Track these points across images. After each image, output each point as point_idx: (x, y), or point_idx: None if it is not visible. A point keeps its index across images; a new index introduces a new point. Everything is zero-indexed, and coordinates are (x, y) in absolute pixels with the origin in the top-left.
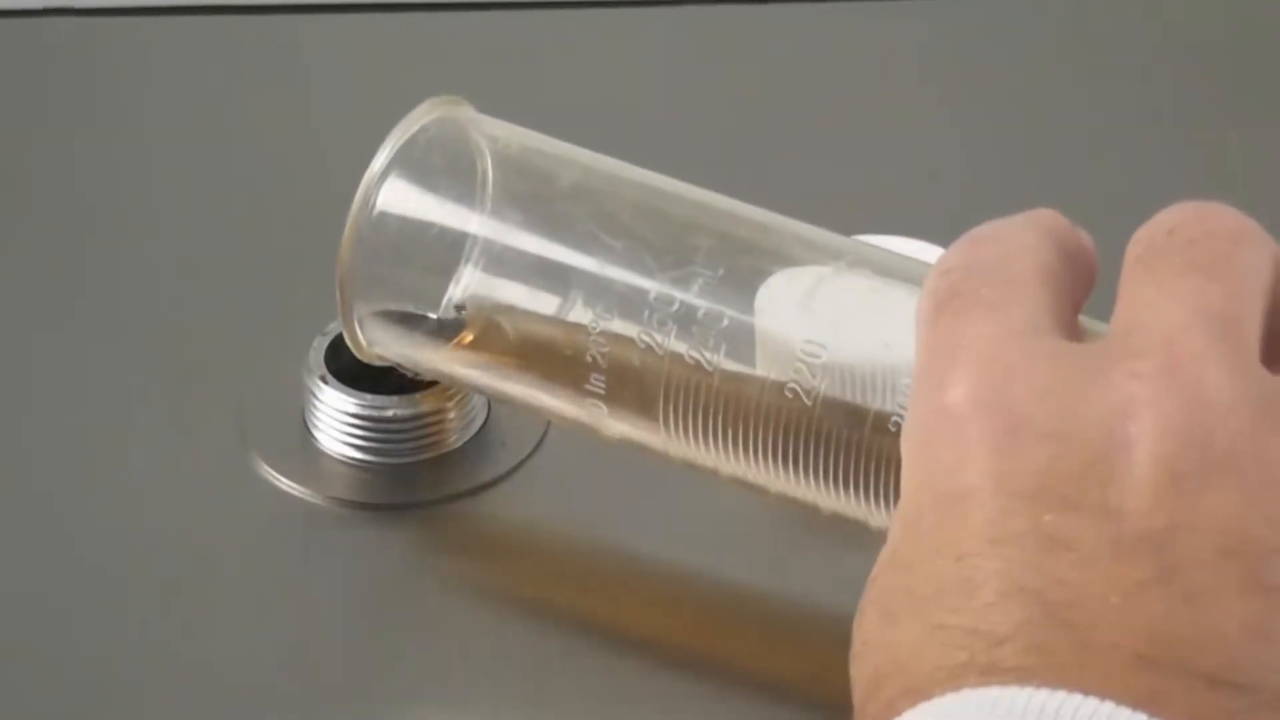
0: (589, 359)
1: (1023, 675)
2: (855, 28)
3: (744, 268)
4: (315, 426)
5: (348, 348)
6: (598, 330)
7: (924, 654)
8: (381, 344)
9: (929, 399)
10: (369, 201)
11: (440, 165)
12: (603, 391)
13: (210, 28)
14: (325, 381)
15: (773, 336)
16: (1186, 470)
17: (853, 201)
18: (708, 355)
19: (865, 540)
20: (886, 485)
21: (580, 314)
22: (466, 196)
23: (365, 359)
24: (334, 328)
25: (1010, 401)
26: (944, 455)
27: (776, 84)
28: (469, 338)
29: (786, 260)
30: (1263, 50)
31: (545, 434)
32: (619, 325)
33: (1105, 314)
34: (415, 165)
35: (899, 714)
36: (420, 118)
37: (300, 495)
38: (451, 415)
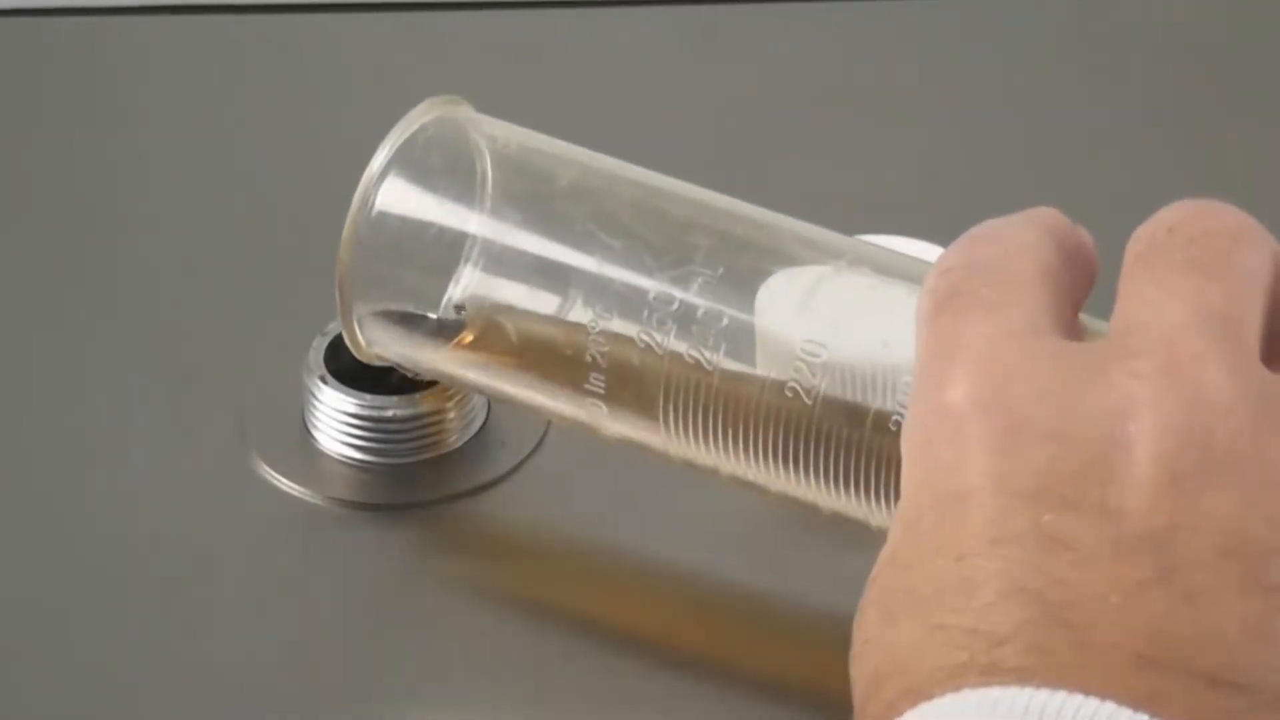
0: (588, 358)
1: (1023, 675)
2: (855, 27)
3: (743, 267)
4: (315, 426)
5: (347, 348)
6: (597, 330)
7: (924, 654)
8: (381, 344)
9: (929, 399)
10: (368, 201)
11: (439, 165)
12: (602, 391)
13: (210, 27)
14: (325, 381)
15: (773, 336)
16: (1186, 470)
17: (853, 201)
18: (707, 354)
19: (865, 540)
20: (887, 485)
21: (580, 313)
22: (466, 196)
23: (365, 359)
24: (334, 328)
25: (1010, 401)
26: (944, 455)
27: (777, 83)
28: (468, 338)
29: (786, 259)
30: (1263, 50)
31: (545, 434)
32: (618, 325)
33: (1106, 312)
34: (414, 165)
35: (899, 714)
36: (419, 117)
37: (300, 495)
38: (451, 415)
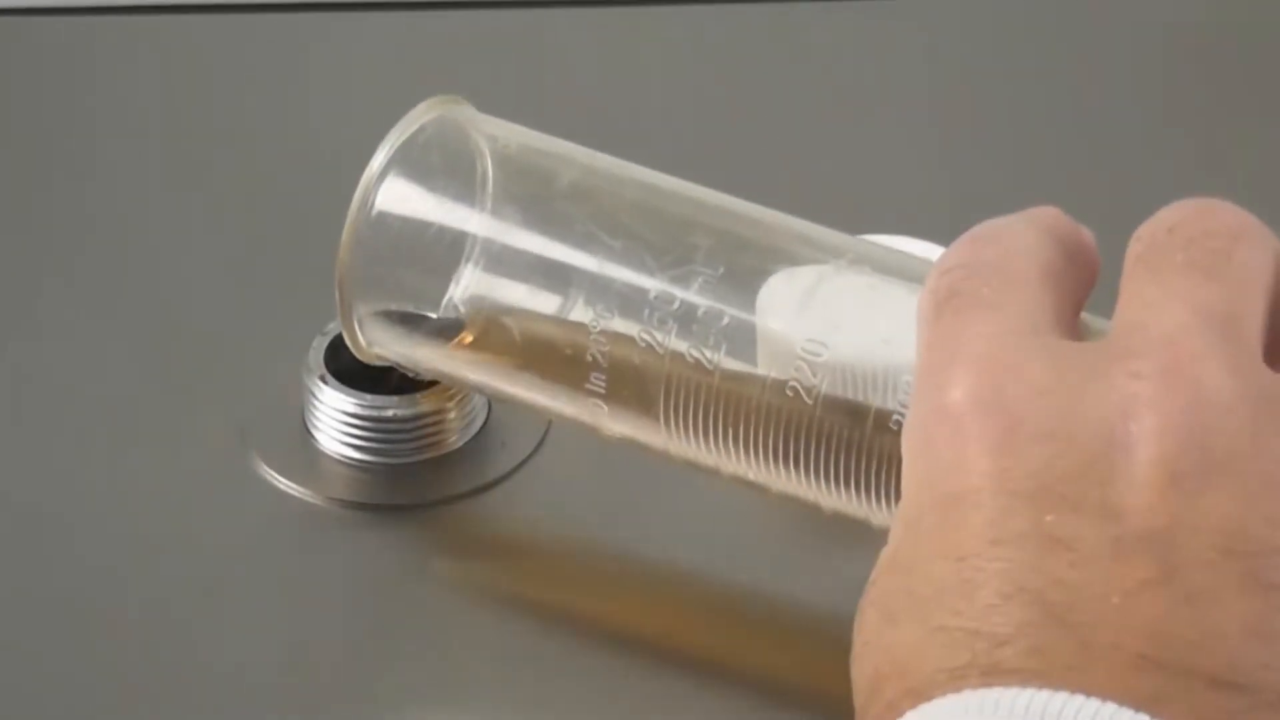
0: (589, 358)
1: (1025, 677)
2: (856, 27)
3: (744, 266)
4: (315, 427)
5: (347, 348)
6: (598, 329)
7: (925, 655)
8: (381, 344)
9: (929, 399)
10: (368, 201)
11: (439, 165)
12: (603, 391)
13: (210, 27)
14: (325, 381)
15: (773, 335)
16: (1187, 470)
17: (853, 201)
18: (708, 354)
19: (866, 541)
20: (888, 484)
21: (580, 313)
22: (466, 196)
23: (365, 359)
24: (334, 328)
25: (1010, 401)
26: (944, 455)
27: (777, 83)
28: (469, 337)
29: (787, 258)
30: (1263, 50)
31: (545, 434)
32: (619, 324)
33: (1107, 312)
34: (414, 165)
35: (900, 715)
36: (419, 117)
37: (300, 495)
38: (451, 415)
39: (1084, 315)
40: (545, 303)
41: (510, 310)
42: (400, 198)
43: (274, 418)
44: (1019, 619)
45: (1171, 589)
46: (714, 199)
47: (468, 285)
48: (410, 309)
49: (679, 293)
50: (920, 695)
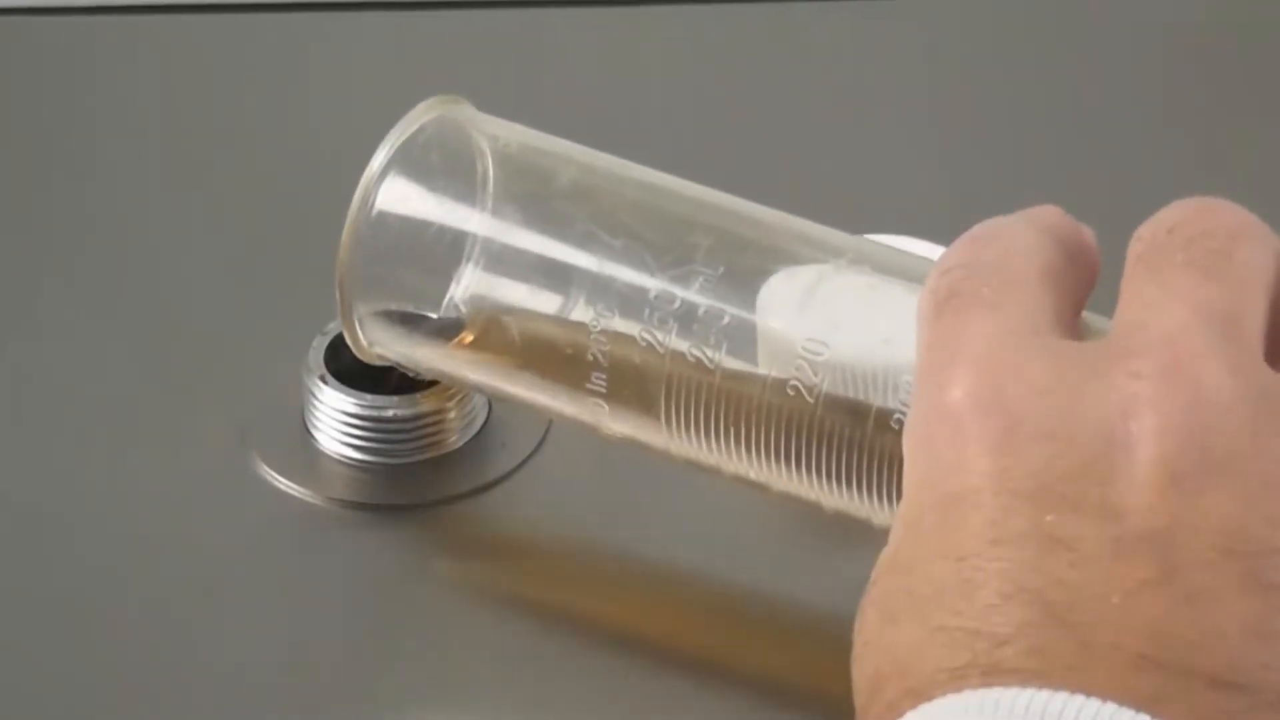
0: (590, 358)
1: (1025, 677)
2: (856, 26)
3: (745, 265)
4: (315, 427)
5: (347, 348)
6: (598, 329)
7: (925, 655)
8: (382, 344)
9: (929, 398)
10: (368, 201)
11: (439, 164)
12: (604, 390)
13: (210, 27)
14: (325, 381)
15: (774, 334)
16: (1187, 470)
17: (854, 200)
18: (709, 353)
19: (866, 541)
20: (889, 483)
21: (581, 313)
22: (466, 195)
23: (366, 359)
24: (334, 328)
25: (1009, 401)
26: (944, 455)
27: (778, 82)
28: (469, 337)
29: (787, 257)
30: (1263, 50)
31: (545, 435)
32: (620, 324)
33: (1108, 311)
34: (414, 164)
35: (901, 715)
36: (419, 117)
37: (300, 496)
38: (451, 415)
39: (1085, 314)
40: (546, 302)
41: (511, 310)
42: (400, 197)
43: (274, 418)
44: (1019, 619)
45: (1171, 589)
46: (714, 198)
47: (469, 285)
48: (411, 309)
49: (679, 292)
50: (921, 695)
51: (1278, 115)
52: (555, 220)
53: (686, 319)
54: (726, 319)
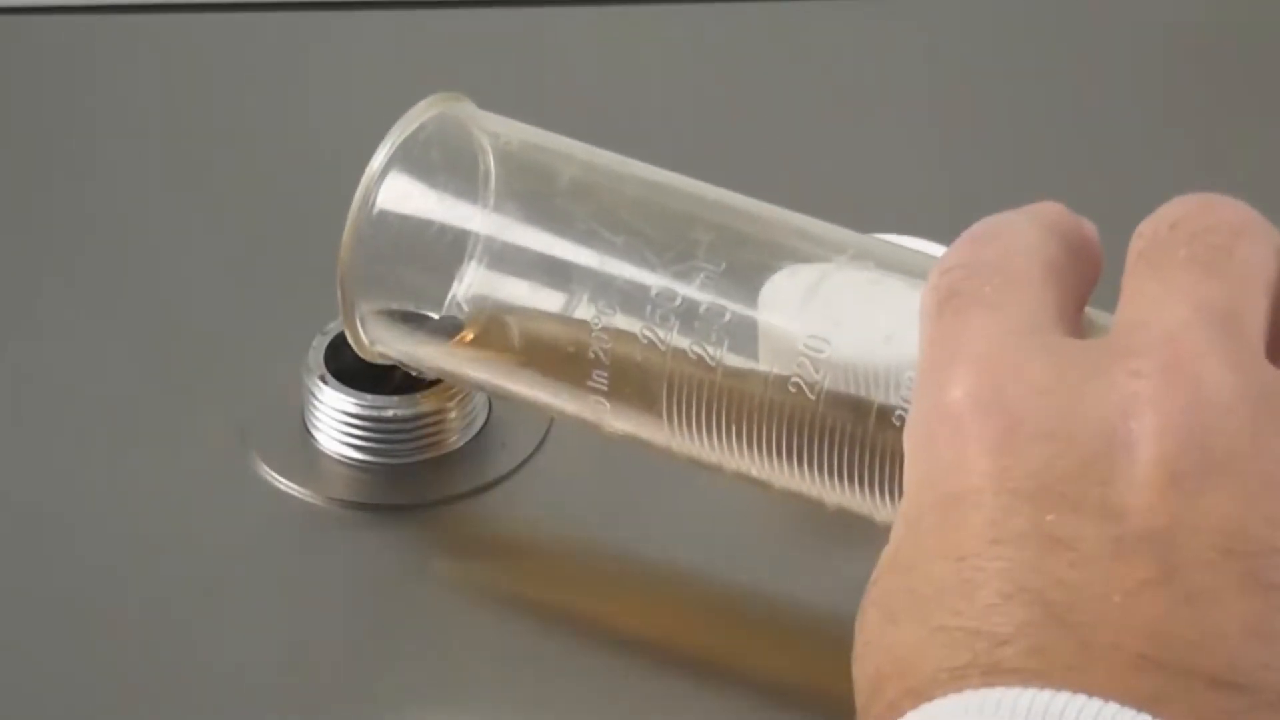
0: (591, 355)
1: (1025, 677)
2: (857, 25)
3: (746, 262)
4: (315, 427)
5: (348, 347)
6: (600, 326)
7: (926, 655)
8: (384, 342)
9: (930, 398)
10: (369, 200)
11: (440, 162)
12: (605, 388)
13: (210, 26)
14: (325, 381)
15: (775, 331)
16: (1187, 470)
17: (854, 200)
18: (710, 350)
19: (866, 541)
20: (891, 480)
21: (582, 310)
22: (468, 193)
23: (368, 358)
24: (334, 327)
25: (1010, 401)
26: (945, 454)
27: (779, 81)
28: (471, 335)
29: (789, 254)
30: (1263, 50)
31: (546, 434)
32: (621, 321)
33: (1109, 307)
34: (415, 162)
35: (901, 715)
36: (420, 115)
37: (300, 496)
38: (452, 415)
39: (1088, 310)
40: (547, 300)
41: (512, 307)
42: (402, 195)
43: (274, 418)
44: (1019, 619)
45: (1172, 589)
46: (715, 195)
47: (471, 283)
48: (412, 307)
49: (681, 289)
50: (921, 695)
51: (1278, 115)
52: (557, 218)
53: (688, 316)
54: (728, 316)
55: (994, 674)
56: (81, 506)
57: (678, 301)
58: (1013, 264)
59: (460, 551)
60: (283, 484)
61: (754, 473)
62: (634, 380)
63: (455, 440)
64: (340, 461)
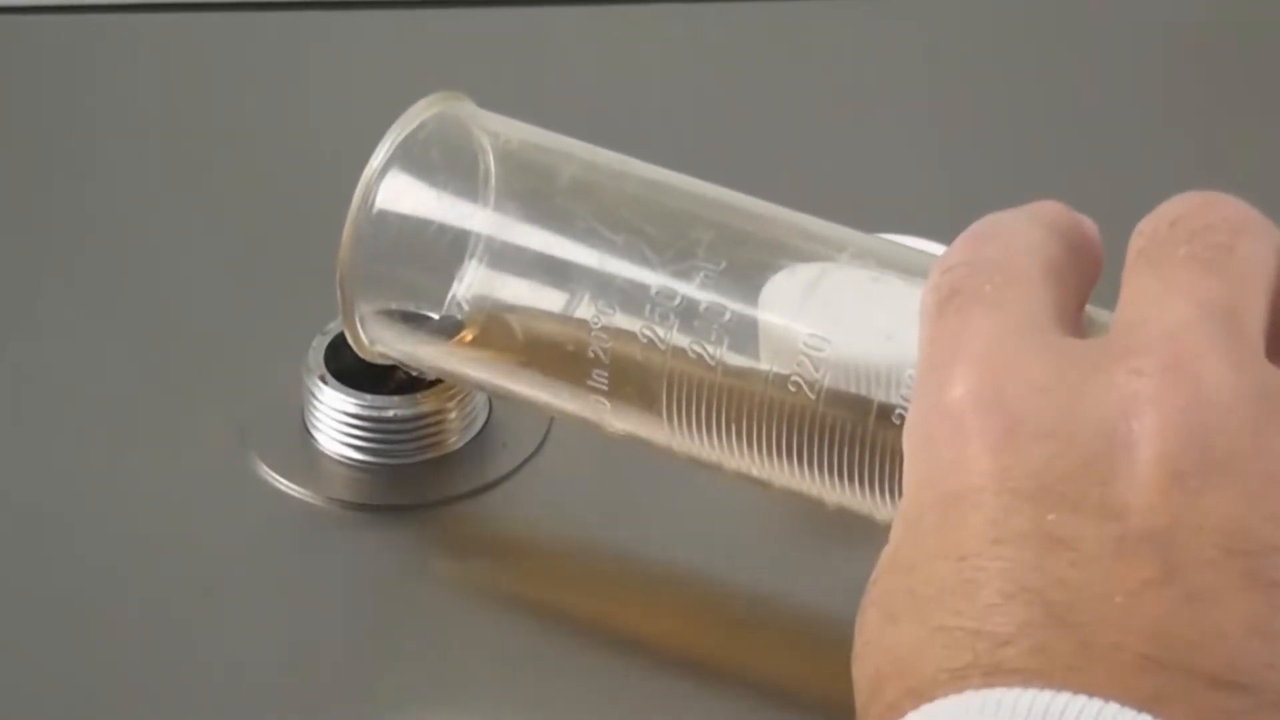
0: (591, 354)
1: (1026, 677)
2: (856, 26)
3: (746, 261)
4: (315, 427)
5: (348, 348)
6: (599, 325)
7: (926, 655)
8: (384, 342)
9: (930, 396)
10: (368, 199)
11: (440, 161)
12: (605, 387)
13: (209, 25)
14: (325, 382)
15: (775, 330)
16: (1188, 469)
17: (853, 200)
18: (710, 349)
19: (866, 541)
20: (891, 478)
21: (582, 309)
22: (468, 192)
23: (368, 358)
24: (334, 327)
25: (1010, 400)
26: (945, 454)
27: (777, 81)
28: (471, 335)
29: (789, 253)
30: (1263, 50)
31: (546, 435)
32: (621, 320)
33: (1110, 306)
34: (415, 161)
35: (902, 715)
36: (419, 114)
37: (300, 496)
38: (452, 416)
39: (1088, 309)
40: (547, 299)
41: (512, 307)
42: (402, 194)
43: (274, 418)
44: (1020, 619)
45: (1173, 589)
46: (715, 193)
47: (471, 282)
48: (412, 307)
49: (681, 288)
50: (922, 695)
51: (1278, 115)
52: (557, 217)
53: (688, 315)
54: (728, 315)
55: (995, 674)
56: (81, 506)
57: (678, 300)
58: (1013, 263)
59: (460, 551)
60: (283, 484)
61: (754, 472)
62: (634, 379)
63: (455, 440)
64: (340, 462)
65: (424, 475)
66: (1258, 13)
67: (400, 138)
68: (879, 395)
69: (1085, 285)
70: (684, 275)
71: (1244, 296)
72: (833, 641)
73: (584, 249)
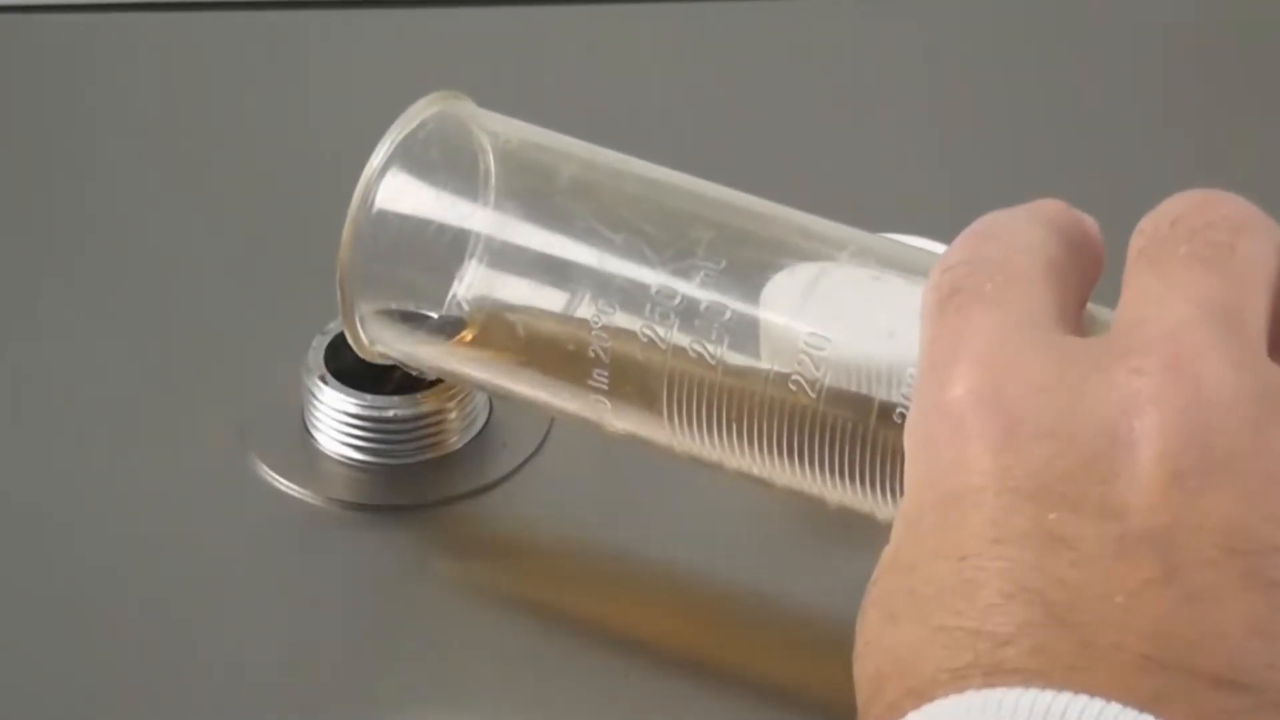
0: (591, 354)
1: (1027, 677)
2: (856, 25)
3: (746, 260)
4: (315, 427)
5: (348, 348)
6: (600, 325)
7: (927, 655)
8: (384, 342)
9: (930, 396)
10: (368, 198)
11: (440, 160)
12: (606, 387)
13: (209, 25)
14: (325, 382)
15: (776, 329)
16: (1188, 469)
17: (853, 199)
18: (710, 348)
19: (867, 541)
20: (893, 477)
21: (583, 309)
22: (468, 192)
23: (368, 358)
24: (334, 327)
25: (1010, 400)
26: (945, 453)
27: (777, 80)
28: (471, 335)
29: (789, 251)
30: (1263, 50)
31: (546, 435)
32: (621, 319)
33: (1111, 304)
34: (415, 161)
35: (902, 715)
36: (419, 113)
37: (300, 496)
38: (452, 416)
39: (1089, 307)
40: (547, 298)
41: (512, 306)
42: (401, 194)
43: (274, 418)
44: (1021, 619)
45: (1173, 588)
46: (715, 193)
47: (471, 282)
48: (412, 307)
49: (681, 287)
50: (922, 695)
51: (1278, 115)
52: (557, 216)
53: (688, 314)
54: (728, 314)
55: (995, 674)
56: (81, 506)
57: (678, 300)
58: (1014, 261)
59: (460, 551)
60: (283, 484)
61: (755, 471)
62: (634, 379)
63: (455, 441)
64: (340, 462)
65: (424, 475)
66: (1258, 13)
67: (400, 137)
68: (880, 394)
69: (1086, 284)
70: (684, 274)
71: (1245, 295)
72: (833, 641)
73: (584, 248)
